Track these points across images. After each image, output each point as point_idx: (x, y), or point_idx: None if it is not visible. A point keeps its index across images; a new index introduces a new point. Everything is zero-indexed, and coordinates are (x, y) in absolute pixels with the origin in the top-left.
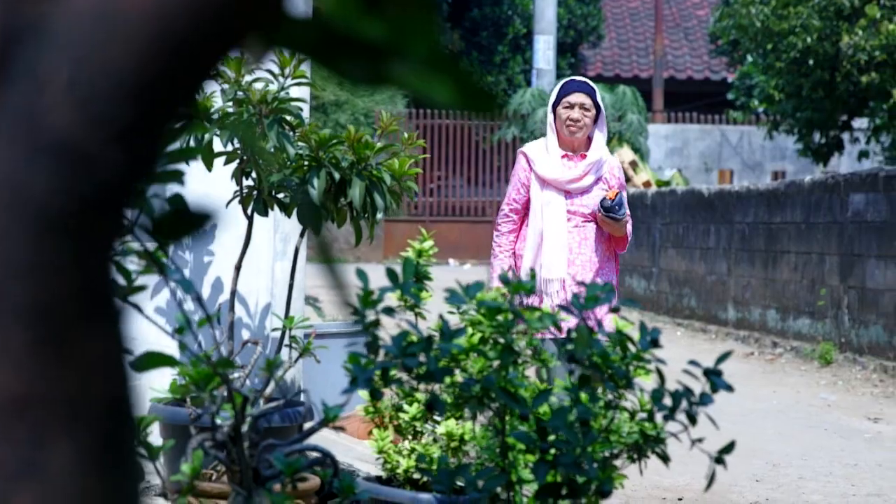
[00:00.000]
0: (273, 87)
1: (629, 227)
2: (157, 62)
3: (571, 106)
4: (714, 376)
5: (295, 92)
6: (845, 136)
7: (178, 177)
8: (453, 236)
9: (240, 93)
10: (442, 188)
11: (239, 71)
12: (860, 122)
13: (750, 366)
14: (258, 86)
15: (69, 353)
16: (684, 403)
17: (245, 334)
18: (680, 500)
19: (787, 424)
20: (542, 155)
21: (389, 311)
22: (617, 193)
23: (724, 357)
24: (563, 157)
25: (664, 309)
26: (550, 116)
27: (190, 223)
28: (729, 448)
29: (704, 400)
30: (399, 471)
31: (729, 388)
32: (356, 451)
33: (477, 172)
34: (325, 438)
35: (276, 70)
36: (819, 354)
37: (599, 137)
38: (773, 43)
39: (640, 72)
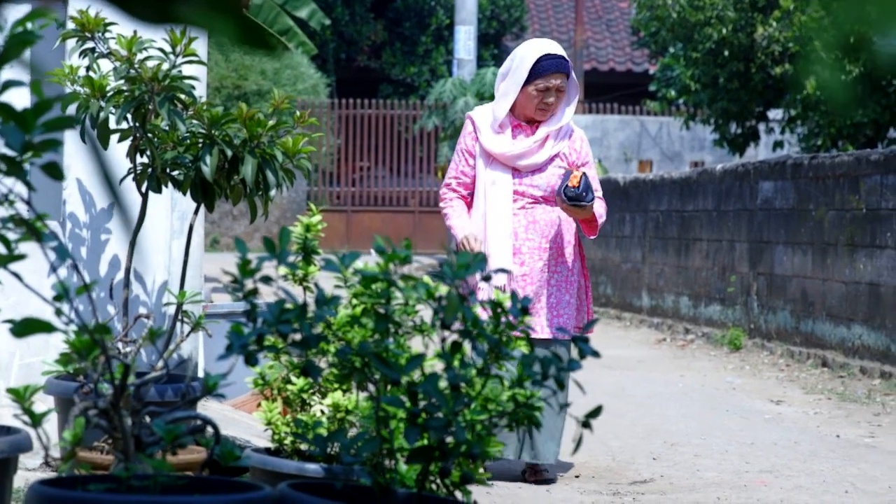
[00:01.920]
0: (166, 65)
1: (601, 206)
2: None
3: (548, 89)
4: (581, 343)
5: (188, 70)
6: (761, 127)
7: (55, 145)
8: (375, 226)
9: (132, 70)
10: (364, 178)
11: (130, 48)
12: (775, 113)
13: (661, 352)
14: (150, 64)
15: None
16: (553, 370)
17: (142, 311)
18: (577, 477)
19: (689, 406)
20: (490, 124)
21: (267, 279)
22: (581, 177)
23: (590, 324)
24: (515, 126)
25: None
26: (508, 85)
27: None
28: (595, 413)
29: (572, 366)
30: (286, 442)
31: (595, 354)
32: (255, 428)
33: (399, 162)
34: (224, 417)
35: (168, 48)
36: (729, 340)
37: (567, 109)
38: (690, 34)
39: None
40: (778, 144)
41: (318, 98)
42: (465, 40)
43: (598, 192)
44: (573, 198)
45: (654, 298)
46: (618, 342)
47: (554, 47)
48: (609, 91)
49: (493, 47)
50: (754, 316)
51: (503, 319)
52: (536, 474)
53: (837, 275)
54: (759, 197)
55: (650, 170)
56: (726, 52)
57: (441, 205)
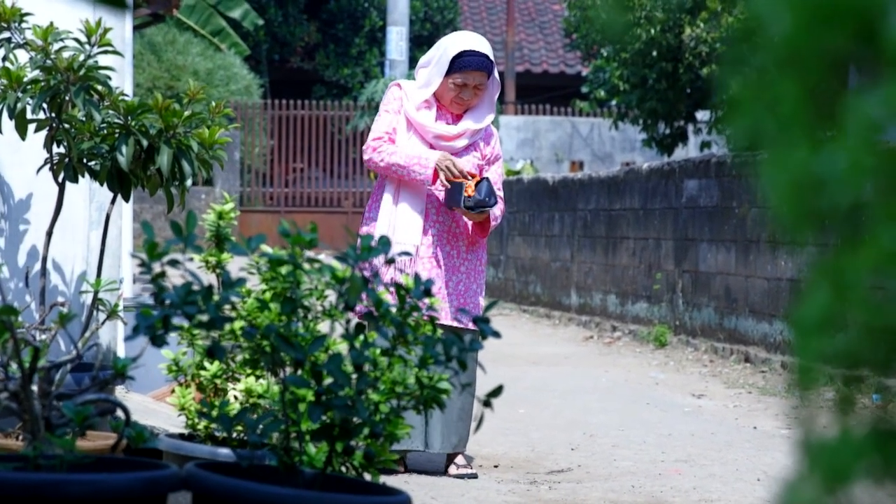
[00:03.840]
0: (82, 56)
1: (498, 209)
2: None
3: (465, 85)
4: (482, 323)
5: (104, 60)
6: (689, 128)
7: None
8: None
9: (48, 60)
10: (298, 179)
11: (46, 38)
12: (703, 114)
13: (587, 349)
14: (66, 54)
15: None
16: (455, 350)
17: (60, 300)
18: (496, 466)
19: (611, 400)
20: (415, 102)
21: (174, 262)
22: (478, 182)
23: (491, 305)
24: (439, 107)
25: (511, 296)
26: (431, 75)
27: None
28: (496, 392)
29: (474, 346)
30: (200, 427)
31: (496, 335)
32: (175, 419)
33: (333, 164)
34: (146, 408)
35: (83, 38)
36: (654, 337)
37: (488, 110)
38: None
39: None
40: (706, 145)
41: (251, 99)
42: (396, 41)
43: (500, 193)
44: (475, 206)
45: (583, 297)
46: (546, 340)
47: (479, 43)
48: (543, 92)
49: (426, 49)
50: (679, 313)
51: (408, 301)
52: (454, 464)
53: (760, 271)
54: (685, 195)
55: (581, 171)
56: (654, 53)
57: (377, 156)
